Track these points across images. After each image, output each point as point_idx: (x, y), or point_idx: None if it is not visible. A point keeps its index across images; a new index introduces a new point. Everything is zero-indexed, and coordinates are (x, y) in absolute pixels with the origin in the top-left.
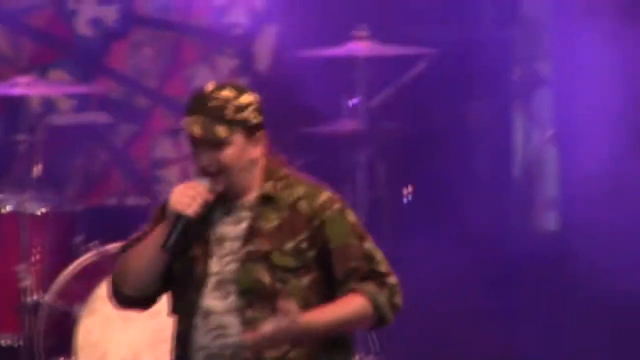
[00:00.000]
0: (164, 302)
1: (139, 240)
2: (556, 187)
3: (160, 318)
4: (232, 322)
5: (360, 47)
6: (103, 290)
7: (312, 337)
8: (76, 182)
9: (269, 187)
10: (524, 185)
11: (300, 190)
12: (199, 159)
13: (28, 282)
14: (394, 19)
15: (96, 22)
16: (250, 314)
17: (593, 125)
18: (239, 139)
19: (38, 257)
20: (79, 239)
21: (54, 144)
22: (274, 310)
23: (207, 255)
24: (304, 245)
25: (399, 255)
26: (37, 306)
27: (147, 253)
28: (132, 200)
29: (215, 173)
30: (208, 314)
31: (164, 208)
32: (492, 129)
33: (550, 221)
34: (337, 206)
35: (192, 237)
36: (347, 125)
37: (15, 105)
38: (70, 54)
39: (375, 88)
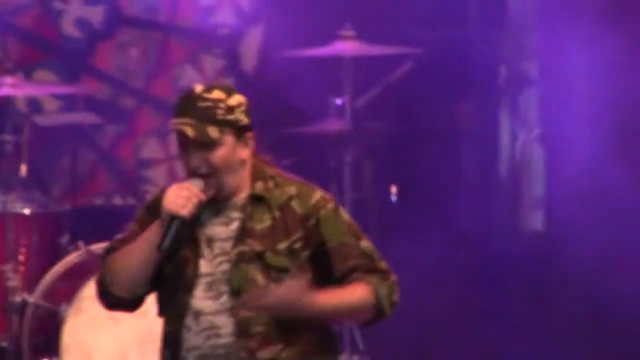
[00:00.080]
0: (150, 302)
1: (124, 241)
2: (542, 186)
3: (146, 318)
4: (225, 322)
5: (346, 46)
6: (89, 289)
7: (314, 316)
8: (62, 182)
9: (259, 187)
10: (510, 185)
11: (291, 190)
12: (188, 160)
13: (14, 281)
14: (380, 18)
15: (82, 22)
16: (243, 314)
17: (579, 124)
18: (229, 139)
19: (24, 256)
20: (65, 238)
21: (39, 144)
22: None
23: (197, 256)
24: (298, 245)
25: (385, 255)
26: (23, 306)
27: (139, 254)
28: (118, 200)
29: (206, 174)
30: (199, 314)
31: (148, 208)
32: (479, 129)
33: (536, 220)
34: (330, 205)
35: (181, 237)
36: (333, 125)
37: (1, 105)
38: (56, 54)
39: (361, 88)
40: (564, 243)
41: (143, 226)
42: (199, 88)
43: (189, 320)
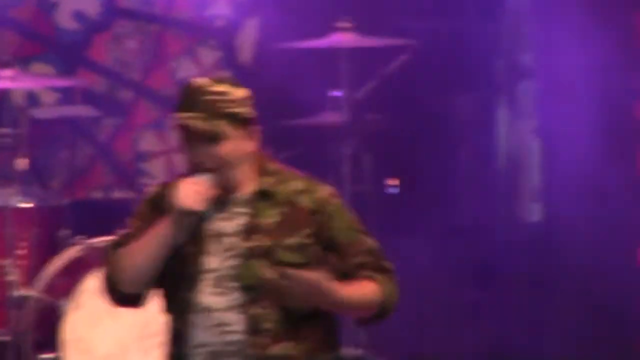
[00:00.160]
0: (149, 297)
1: (130, 236)
2: (540, 178)
3: (146, 312)
4: (235, 319)
5: (344, 38)
6: (89, 284)
7: (330, 305)
8: (60, 175)
9: (266, 182)
10: (507, 176)
11: (297, 185)
12: (194, 154)
13: (13, 276)
14: (377, 10)
15: (78, 15)
16: (254, 310)
17: (576, 116)
18: (235, 133)
19: (23, 251)
20: (64, 232)
21: (37, 137)
22: (277, 307)
23: (201, 252)
24: (309, 240)
25: (384, 247)
26: (22, 300)
27: (149, 249)
28: (116, 193)
29: (212, 168)
30: (208, 310)
31: (150, 203)
32: (476, 121)
33: (533, 212)
34: (337, 200)
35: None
36: (330, 118)
37: None
38: (52, 46)
39: (358, 80)
40: (561, 234)
41: (147, 222)
42: (202, 81)
43: (196, 317)
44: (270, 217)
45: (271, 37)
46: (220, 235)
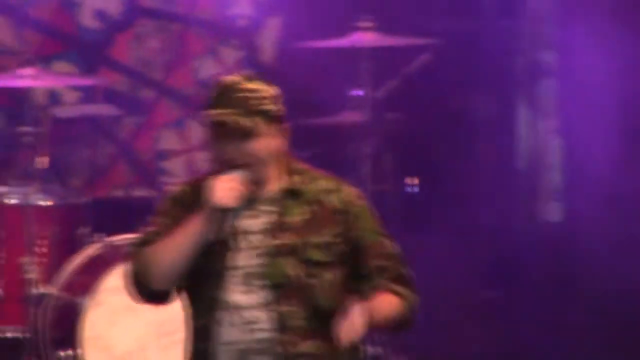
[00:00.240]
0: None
1: (156, 234)
2: (560, 177)
3: (165, 310)
4: (263, 317)
5: (365, 37)
6: (108, 282)
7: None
8: (81, 173)
9: (294, 180)
10: (527, 176)
11: (325, 184)
12: (225, 150)
13: (33, 274)
14: (398, 9)
15: (100, 14)
16: (281, 308)
17: (597, 115)
18: (267, 130)
19: (43, 249)
20: (84, 230)
21: (58, 135)
22: (308, 306)
23: (226, 248)
24: (336, 240)
25: (403, 247)
26: (42, 298)
27: (181, 246)
28: (137, 192)
29: (244, 165)
30: (235, 308)
31: (176, 201)
32: (496, 120)
33: (553, 211)
34: (363, 202)
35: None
36: (351, 117)
37: (20, 96)
38: (74, 45)
39: (379, 79)
40: (581, 234)
41: (172, 219)
42: (234, 78)
43: (223, 314)
44: (298, 215)
45: (293, 37)
46: (247, 232)
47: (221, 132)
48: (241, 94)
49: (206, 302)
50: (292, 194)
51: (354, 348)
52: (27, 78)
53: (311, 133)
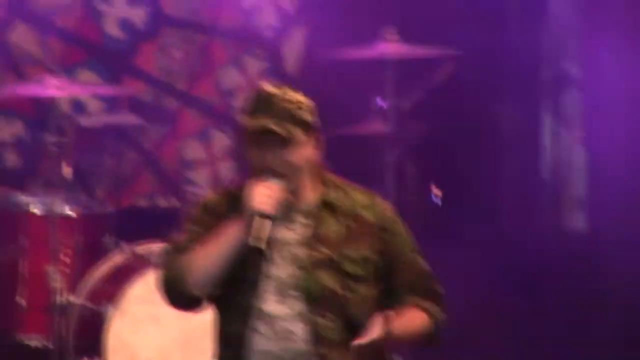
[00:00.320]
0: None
1: (189, 241)
2: (584, 187)
3: (189, 319)
4: (298, 328)
5: (389, 48)
6: (133, 290)
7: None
8: (106, 183)
9: (328, 193)
10: (552, 186)
11: (360, 198)
12: (263, 158)
13: (58, 282)
14: (423, 20)
15: (125, 23)
16: (318, 321)
17: (621, 125)
18: (305, 140)
19: (68, 257)
20: (108, 240)
21: (83, 145)
22: (343, 319)
23: (261, 257)
24: (373, 255)
25: (428, 257)
26: (66, 307)
27: (220, 251)
28: (161, 202)
29: (282, 173)
30: (270, 317)
31: (207, 209)
32: (521, 130)
33: (578, 221)
34: (396, 217)
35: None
36: (375, 127)
37: (44, 106)
38: (98, 54)
39: (404, 89)
40: (606, 244)
41: (204, 227)
42: (274, 87)
43: (257, 323)
44: (334, 228)
45: (317, 47)
46: (282, 242)
47: (260, 140)
48: (280, 103)
49: (240, 310)
50: (328, 206)
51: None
52: (51, 87)
53: (335, 143)
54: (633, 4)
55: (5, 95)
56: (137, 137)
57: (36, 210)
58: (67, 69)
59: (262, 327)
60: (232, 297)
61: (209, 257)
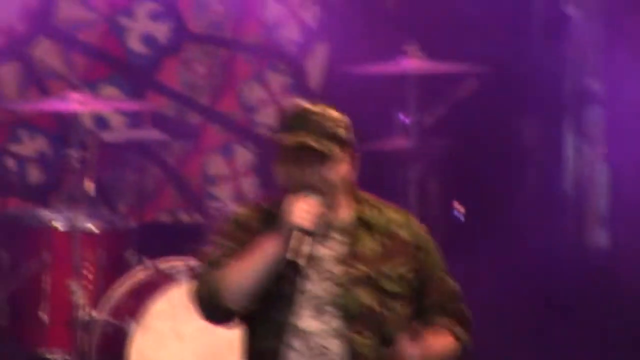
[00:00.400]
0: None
1: (223, 256)
2: (606, 203)
3: (212, 334)
4: (335, 345)
5: (412, 63)
6: (156, 306)
7: None
8: (128, 198)
9: (365, 210)
10: (574, 202)
11: (394, 216)
12: (301, 174)
13: (80, 298)
14: (444, 35)
15: (148, 38)
16: (355, 338)
17: None
18: (345, 157)
19: (90, 273)
20: (131, 255)
21: (105, 160)
22: (379, 336)
23: (297, 273)
24: (408, 273)
25: (451, 273)
26: (89, 322)
27: (257, 266)
28: (184, 217)
29: (319, 189)
30: (306, 334)
31: (239, 224)
32: (543, 146)
33: (600, 237)
34: (429, 236)
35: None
36: (398, 142)
37: (67, 121)
38: (121, 70)
39: (426, 104)
40: (627, 260)
41: (239, 242)
42: (309, 103)
43: (292, 339)
44: (370, 246)
45: (340, 62)
46: (317, 259)
47: (298, 156)
48: (318, 119)
49: (275, 325)
50: (363, 223)
51: None
52: (74, 102)
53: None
54: None
55: (29, 110)
56: (160, 152)
57: (59, 225)
58: (90, 84)
59: (296, 343)
60: (266, 312)
61: (246, 271)
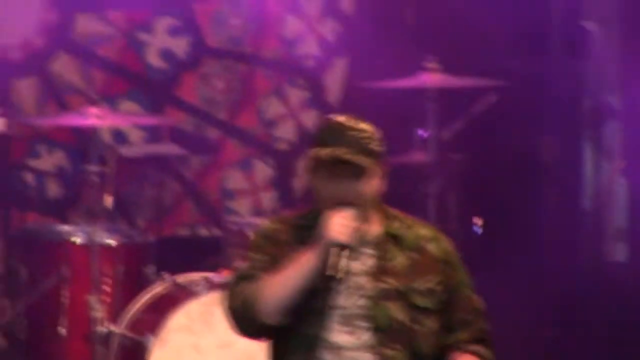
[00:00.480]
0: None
1: (255, 269)
2: (625, 218)
3: (231, 348)
4: (365, 358)
5: (431, 78)
6: (174, 320)
7: None
8: (147, 212)
9: (394, 225)
10: (593, 216)
11: (422, 231)
12: (337, 188)
13: (99, 312)
14: (463, 50)
15: (167, 53)
16: (386, 352)
17: None
18: (377, 171)
19: (109, 287)
20: (149, 269)
21: (124, 174)
22: (410, 350)
23: (328, 287)
24: (437, 288)
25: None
26: (107, 336)
27: (294, 280)
28: (202, 231)
29: (353, 203)
30: (338, 348)
31: (268, 238)
32: (562, 161)
33: (619, 252)
34: (456, 252)
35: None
36: (417, 157)
37: (86, 135)
38: (140, 84)
39: (445, 119)
40: None
41: (269, 256)
42: (343, 117)
43: (324, 353)
44: (400, 260)
45: (359, 77)
46: (349, 273)
47: (334, 170)
48: (352, 133)
49: (306, 339)
50: (393, 238)
51: None
52: (93, 117)
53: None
54: None
55: (47, 125)
56: (179, 166)
57: (77, 239)
58: (108, 99)
59: (328, 357)
60: (296, 326)
61: (284, 286)
